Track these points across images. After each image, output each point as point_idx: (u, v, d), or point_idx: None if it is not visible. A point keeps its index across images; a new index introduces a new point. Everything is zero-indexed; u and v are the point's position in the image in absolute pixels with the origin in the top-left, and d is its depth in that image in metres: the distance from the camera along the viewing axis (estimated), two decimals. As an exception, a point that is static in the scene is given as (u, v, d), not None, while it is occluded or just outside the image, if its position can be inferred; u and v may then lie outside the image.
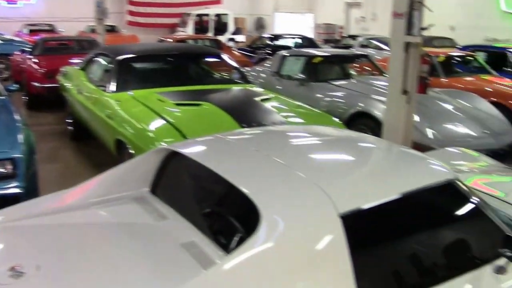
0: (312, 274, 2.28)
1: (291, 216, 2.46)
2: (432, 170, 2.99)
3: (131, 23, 26.58)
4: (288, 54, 10.15)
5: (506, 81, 9.88)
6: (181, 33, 23.40)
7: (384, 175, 2.92)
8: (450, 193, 2.86)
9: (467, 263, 2.71)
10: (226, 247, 2.62)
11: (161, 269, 2.51)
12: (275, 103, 6.51)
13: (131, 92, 6.54)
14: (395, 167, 3.13)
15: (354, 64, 10.25)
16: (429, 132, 6.87)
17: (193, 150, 3.31)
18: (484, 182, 4.08)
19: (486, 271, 2.65)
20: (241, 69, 8.23)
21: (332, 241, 2.36)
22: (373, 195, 2.61)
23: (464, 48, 12.58)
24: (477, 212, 2.85)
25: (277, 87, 9.19)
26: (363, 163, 3.11)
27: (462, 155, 5.10)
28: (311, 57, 9.45)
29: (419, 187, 2.72)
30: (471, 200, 2.87)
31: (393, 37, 6.01)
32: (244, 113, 5.88)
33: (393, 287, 2.50)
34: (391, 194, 2.63)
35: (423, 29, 5.86)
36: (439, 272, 2.67)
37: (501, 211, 3.12)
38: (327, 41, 21.92)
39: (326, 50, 11.82)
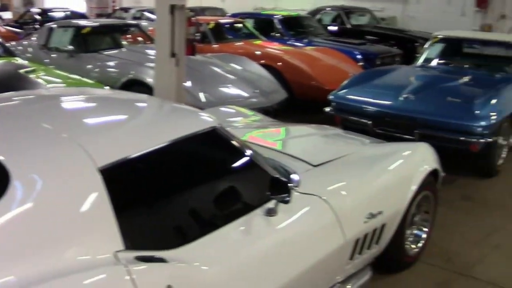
0: (75, 236, 2.10)
1: (46, 175, 2.23)
2: (195, 119, 2.93)
3: None
4: (56, 26, 9.63)
5: (274, 44, 10.39)
6: None
7: (147, 127, 2.80)
8: (215, 140, 2.83)
9: (238, 209, 2.70)
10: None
11: None
12: (41, 74, 6.15)
13: None
14: (159, 118, 3.04)
15: (127, 35, 10.06)
16: (202, 95, 6.95)
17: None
18: (259, 135, 4.23)
19: (256, 215, 2.68)
20: (3, 43, 7.63)
21: (94, 197, 2.19)
22: (134, 146, 2.47)
23: (234, 16, 12.94)
24: (245, 158, 2.87)
25: (45, 60, 8.70)
26: (129, 118, 2.95)
27: (236, 113, 5.23)
28: (80, 28, 9.08)
29: (183, 135, 2.65)
30: (238, 147, 2.89)
31: (158, 0, 5.92)
32: (7, 86, 5.42)
33: (164, 241, 2.39)
34: (153, 144, 2.52)
35: (187, -10, 5.86)
36: (210, 221, 2.63)
37: (272, 159, 3.19)
38: (99, 15, 21.32)
39: (95, 20, 11.45)
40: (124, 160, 2.36)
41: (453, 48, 8.42)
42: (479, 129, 5.84)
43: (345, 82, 7.15)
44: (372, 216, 3.24)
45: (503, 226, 5.18)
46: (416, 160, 3.99)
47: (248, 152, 2.89)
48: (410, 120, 6.15)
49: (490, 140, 5.94)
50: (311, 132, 4.37)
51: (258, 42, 10.59)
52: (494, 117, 5.93)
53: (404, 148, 4.09)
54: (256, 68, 8.22)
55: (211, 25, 10.47)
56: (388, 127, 6.34)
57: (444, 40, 8.38)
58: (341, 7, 14.80)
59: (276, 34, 11.88)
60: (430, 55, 8.26)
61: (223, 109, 5.46)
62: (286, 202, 2.60)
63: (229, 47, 9.95)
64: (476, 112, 5.95)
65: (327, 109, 6.97)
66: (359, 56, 10.62)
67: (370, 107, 6.50)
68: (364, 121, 6.47)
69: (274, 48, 9.98)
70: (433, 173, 4.16)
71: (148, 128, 2.78)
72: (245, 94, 7.32)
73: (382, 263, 3.78)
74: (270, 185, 2.60)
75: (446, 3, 15.49)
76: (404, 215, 3.69)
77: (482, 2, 14.43)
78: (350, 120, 6.66)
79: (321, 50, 10.25)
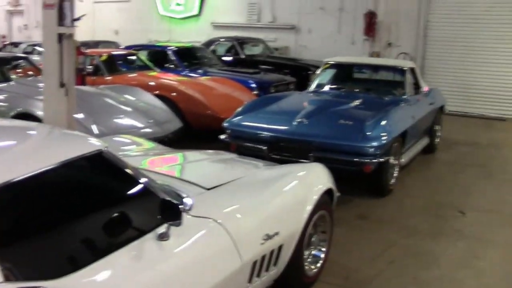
0: None
1: None
2: (80, 142, 2.81)
3: None
4: None
5: (169, 75, 10.34)
6: None
7: (31, 151, 2.64)
8: (103, 164, 2.73)
9: (128, 234, 2.57)
10: None
11: None
12: None
13: None
14: (43, 143, 2.88)
15: (17, 70, 9.72)
16: (95, 127, 6.75)
17: None
18: (152, 161, 4.14)
19: (148, 240, 2.57)
20: None
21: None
22: (15, 170, 2.32)
23: (128, 48, 12.79)
24: (134, 182, 2.77)
25: None
26: (13, 143, 2.76)
27: (130, 142, 5.11)
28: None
29: (67, 159, 2.52)
30: (127, 171, 2.78)
31: (45, 29, 5.74)
32: None
33: (49, 270, 2.23)
34: (36, 167, 2.38)
35: (75, 20, 5.72)
36: (98, 247, 2.50)
37: (163, 184, 3.09)
38: (-11, 51, 20.46)
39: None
40: (3, 185, 2.21)
41: (343, 73, 8.70)
42: (371, 150, 6.02)
43: (239, 109, 7.19)
44: (269, 237, 3.21)
45: (396, 242, 5.32)
46: (310, 180, 4.02)
47: (138, 176, 2.81)
48: (305, 143, 6.25)
49: (382, 160, 6.13)
50: (205, 157, 4.33)
51: (152, 73, 10.51)
52: (385, 137, 6.14)
53: (298, 169, 4.12)
54: (149, 99, 8.12)
55: (104, 57, 10.27)
56: (283, 152, 6.41)
57: (335, 65, 8.64)
58: (234, 38, 14.99)
59: (171, 66, 11.85)
60: (322, 81, 8.49)
61: (116, 138, 5.32)
62: (178, 225, 2.53)
63: (122, 79, 9.80)
64: (368, 133, 6.14)
65: (222, 136, 6.96)
66: (253, 85, 10.75)
67: (265, 133, 6.56)
68: (259, 146, 6.51)
69: (168, 79, 9.93)
70: (328, 193, 4.21)
71: (32, 151, 2.63)
72: (139, 125, 7.19)
73: (282, 285, 3.75)
74: (160, 209, 2.52)
75: (337, 32, 16.01)
76: (302, 236, 3.69)
77: (370, 31, 15.03)
78: (245, 146, 6.67)
79: (215, 80, 10.32)
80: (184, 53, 12.52)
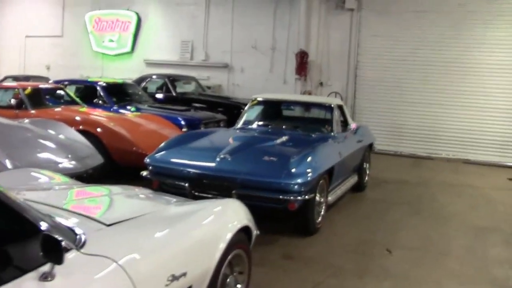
0: None
1: None
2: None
3: None
4: None
5: (96, 111, 10.03)
6: None
7: None
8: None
9: (5, 273, 2.27)
10: None
11: None
12: None
13: None
14: None
15: None
16: (8, 161, 6.36)
17: None
18: (57, 195, 3.81)
19: (28, 279, 2.28)
20: None
21: None
22: None
23: (57, 82, 12.40)
24: (17, 216, 2.47)
25: None
26: None
27: (42, 176, 4.78)
28: None
29: None
30: (9, 204, 2.49)
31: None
32: None
33: None
34: None
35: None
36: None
37: (54, 218, 2.82)
38: None
39: None
40: None
41: (271, 110, 8.62)
42: (296, 187, 5.88)
43: (162, 144, 6.97)
44: (175, 278, 2.96)
45: (322, 282, 5.15)
46: (225, 217, 3.80)
47: (23, 210, 2.50)
48: (228, 180, 6.07)
49: (307, 197, 6.00)
50: (113, 192, 4.05)
51: (78, 108, 10.17)
52: (310, 174, 6.01)
53: (212, 205, 3.89)
54: (71, 133, 7.79)
55: (28, 91, 9.89)
56: (206, 189, 6.20)
57: (262, 102, 8.56)
58: (166, 75, 14.81)
59: (99, 101, 11.53)
60: (249, 118, 8.37)
61: (28, 172, 4.98)
62: (59, 262, 2.26)
63: (47, 113, 9.41)
64: (292, 170, 6.00)
65: (144, 173, 6.71)
66: (182, 122, 10.57)
67: (187, 169, 6.34)
68: (182, 184, 6.28)
69: (94, 114, 9.62)
70: (246, 231, 4.01)
71: None
72: (57, 159, 6.84)
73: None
74: (41, 245, 2.26)
75: (269, 71, 16.10)
76: (214, 276, 3.46)
77: (302, 71, 15.13)
78: (167, 183, 6.44)
79: (144, 117, 10.10)
80: (114, 89, 12.23)
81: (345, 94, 15.00)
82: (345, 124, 8.54)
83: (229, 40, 16.63)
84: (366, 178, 9.36)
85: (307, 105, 8.86)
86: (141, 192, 4.21)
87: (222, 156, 6.34)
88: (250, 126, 8.14)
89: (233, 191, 5.96)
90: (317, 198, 6.45)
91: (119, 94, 12.24)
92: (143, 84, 14.62)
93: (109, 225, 2.97)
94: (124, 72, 17.16)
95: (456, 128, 13.89)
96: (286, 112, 8.91)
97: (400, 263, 5.82)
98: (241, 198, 5.83)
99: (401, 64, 14.34)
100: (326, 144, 7.15)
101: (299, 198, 5.90)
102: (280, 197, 5.89)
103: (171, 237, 3.16)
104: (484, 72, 13.56)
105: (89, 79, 13.93)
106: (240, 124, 8.24)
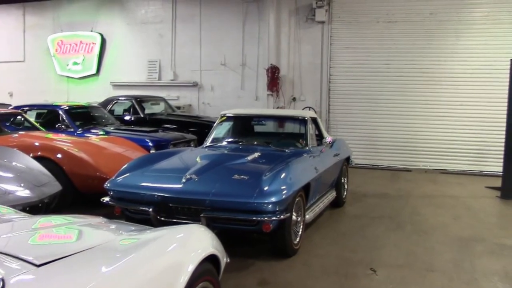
0: None
1: None
2: None
3: None
4: None
5: (57, 136, 9.49)
6: None
7: None
8: None
9: None
10: None
11: None
12: None
13: None
14: None
15: None
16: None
17: None
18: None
19: None
20: None
21: None
22: None
23: (17, 108, 11.81)
24: None
25: None
26: None
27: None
28: None
29: None
30: None
31: None
32: None
33: None
34: None
35: None
36: None
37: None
38: None
39: None
40: None
41: (241, 126, 8.18)
42: (270, 206, 5.40)
43: (124, 167, 6.45)
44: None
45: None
46: (187, 246, 3.30)
47: None
48: (195, 203, 5.58)
49: (283, 217, 5.53)
50: (57, 223, 3.50)
51: (38, 134, 9.58)
52: (285, 192, 5.54)
53: (172, 233, 3.38)
54: (26, 161, 7.18)
55: (-18, 117, 9.33)
56: (173, 214, 5.71)
57: (231, 118, 8.10)
58: (133, 97, 14.29)
59: (62, 126, 10.97)
60: (218, 135, 7.92)
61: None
62: None
63: (3, 140, 8.82)
64: (265, 188, 5.52)
65: (106, 199, 6.18)
66: (150, 144, 10.10)
67: (150, 193, 5.81)
68: (145, 209, 5.76)
69: (54, 139, 9.05)
70: (213, 260, 3.53)
71: None
72: (9, 189, 6.25)
73: None
74: None
75: (240, 88, 15.69)
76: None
77: (273, 86, 14.75)
78: (130, 209, 5.93)
79: (109, 139, 9.62)
80: (77, 113, 11.73)
81: (319, 108, 14.64)
82: (320, 137, 8.10)
83: (198, 58, 16.21)
84: (345, 193, 8.95)
85: (279, 119, 8.42)
86: (94, 221, 3.69)
87: (188, 176, 5.84)
88: (219, 144, 7.66)
89: (202, 214, 5.48)
90: (294, 217, 5.99)
91: (83, 117, 11.76)
92: (110, 106, 14.11)
93: (39, 266, 2.45)
94: (91, 95, 16.58)
95: (432, 138, 13.64)
96: (257, 128, 8.46)
97: (385, 283, 5.36)
98: (211, 221, 5.38)
99: (375, 76, 14.05)
100: (301, 159, 6.70)
101: (273, 218, 5.42)
102: (253, 218, 5.41)
103: (118, 274, 2.64)
104: (458, 81, 13.37)
105: (53, 104, 13.34)
106: (208, 142, 7.77)
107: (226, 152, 7.23)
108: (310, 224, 7.00)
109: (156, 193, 5.76)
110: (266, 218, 5.40)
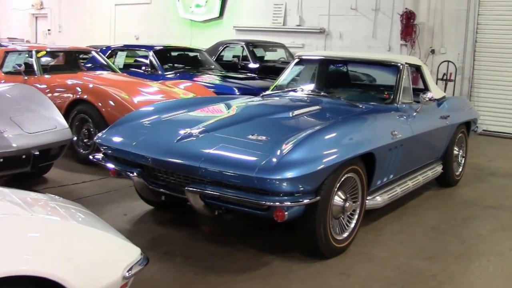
0: None
1: None
2: None
3: None
4: None
5: (121, 76, 8.29)
6: None
7: None
8: None
9: None
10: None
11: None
12: None
13: None
14: None
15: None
16: None
17: None
18: None
19: None
20: None
21: None
22: None
23: (108, 48, 10.78)
24: None
25: None
26: None
27: None
28: None
29: None
30: None
31: None
32: None
33: None
34: None
35: None
36: None
37: None
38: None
39: None
40: None
41: (316, 72, 6.24)
42: (284, 184, 3.54)
43: (125, 116, 4.93)
44: None
45: None
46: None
47: None
48: (182, 169, 3.88)
49: (306, 201, 3.68)
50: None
51: (97, 75, 8.31)
52: (313, 164, 3.66)
53: None
54: (37, 103, 5.77)
55: (41, 54, 8.32)
56: (158, 183, 4.11)
57: (306, 61, 6.25)
58: (245, 41, 12.72)
59: (148, 69, 9.73)
60: (284, 81, 6.11)
61: None
62: None
63: (54, 80, 7.68)
64: (280, 157, 3.64)
65: (98, 156, 4.68)
66: (237, 92, 8.55)
67: (134, 152, 4.17)
68: (128, 172, 4.25)
69: (109, 79, 7.81)
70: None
71: None
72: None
73: None
74: None
75: (371, 37, 13.52)
76: None
77: (407, 35, 12.45)
78: (121, 171, 4.42)
79: (189, 88, 8.05)
80: (172, 56, 10.63)
81: (462, 64, 12.09)
82: (424, 92, 5.95)
83: (326, 1, 14.17)
84: (460, 169, 6.76)
85: (364, 64, 6.39)
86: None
87: (188, 132, 4.14)
88: (280, 93, 5.83)
89: (186, 188, 3.78)
90: (339, 201, 4.11)
91: (179, 61, 10.61)
92: (219, 51, 12.71)
93: None
94: (213, 39, 15.22)
95: None
96: (335, 75, 6.46)
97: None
98: (200, 198, 3.71)
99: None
100: (369, 118, 4.71)
101: (288, 203, 3.58)
102: (258, 201, 3.61)
103: None
104: None
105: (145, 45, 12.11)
106: (270, 90, 5.99)
107: (278, 103, 5.39)
108: (387, 209, 5.08)
109: (139, 152, 4.12)
110: (278, 204, 3.57)
